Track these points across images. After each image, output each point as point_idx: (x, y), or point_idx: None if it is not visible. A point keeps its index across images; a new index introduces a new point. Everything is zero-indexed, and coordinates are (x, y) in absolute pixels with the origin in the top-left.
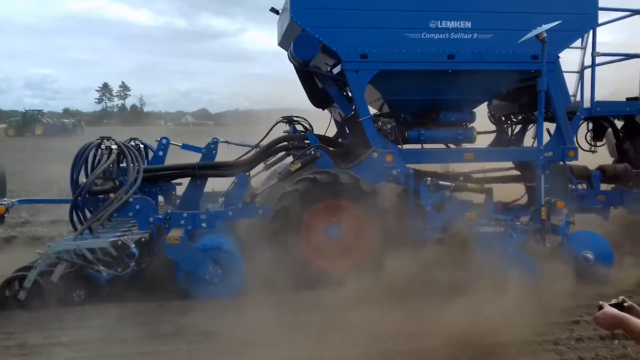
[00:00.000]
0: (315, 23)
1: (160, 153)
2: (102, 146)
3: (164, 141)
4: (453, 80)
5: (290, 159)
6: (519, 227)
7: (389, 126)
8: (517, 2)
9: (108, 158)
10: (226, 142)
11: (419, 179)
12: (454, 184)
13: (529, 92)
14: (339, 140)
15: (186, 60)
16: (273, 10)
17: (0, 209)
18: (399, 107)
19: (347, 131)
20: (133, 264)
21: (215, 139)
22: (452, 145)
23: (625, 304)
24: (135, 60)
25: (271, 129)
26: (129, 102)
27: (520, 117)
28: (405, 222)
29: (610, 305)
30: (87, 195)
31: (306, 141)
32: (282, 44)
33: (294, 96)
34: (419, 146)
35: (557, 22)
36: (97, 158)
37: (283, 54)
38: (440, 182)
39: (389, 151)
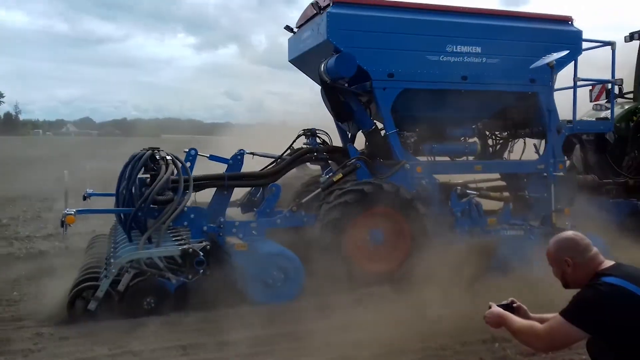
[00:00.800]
0: (349, 44)
1: (188, 164)
2: (157, 156)
3: (193, 152)
4: (464, 99)
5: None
6: (536, 230)
7: (412, 140)
8: (520, 32)
9: (167, 168)
10: (251, 153)
11: (446, 187)
12: (478, 193)
13: (515, 111)
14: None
15: (68, 66)
16: (288, 28)
17: (69, 219)
18: (414, 123)
19: (367, 143)
20: (201, 271)
21: (242, 150)
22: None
23: (514, 305)
24: (9, 65)
25: (293, 142)
26: (2, 109)
27: (505, 134)
28: (437, 227)
29: (499, 305)
30: (150, 205)
31: (329, 153)
32: (298, 60)
33: (187, 105)
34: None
35: (566, 52)
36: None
37: (173, 61)
38: (467, 190)
39: (418, 163)
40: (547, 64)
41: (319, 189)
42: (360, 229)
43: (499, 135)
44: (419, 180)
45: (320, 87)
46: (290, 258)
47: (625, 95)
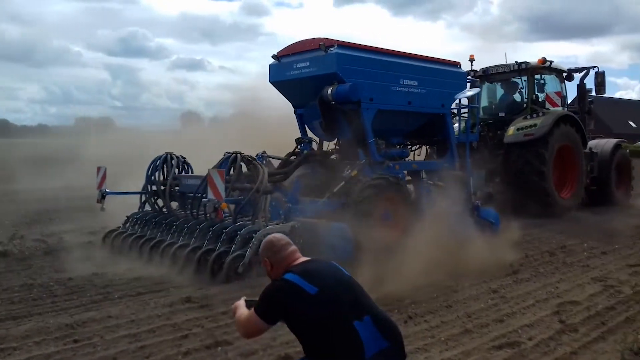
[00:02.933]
0: (349, 76)
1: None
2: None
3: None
4: (407, 117)
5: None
6: (480, 208)
7: (383, 147)
8: (436, 72)
9: (261, 168)
10: (269, 156)
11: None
12: (435, 182)
13: (430, 126)
14: (334, 155)
15: None
16: (275, 57)
17: (223, 205)
18: (381, 134)
19: (337, 147)
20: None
21: (263, 153)
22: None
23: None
24: None
25: (295, 148)
26: None
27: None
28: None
29: (248, 300)
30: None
31: (332, 156)
32: (282, 82)
33: None
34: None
35: (478, 90)
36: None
37: None
38: (429, 181)
39: (397, 162)
40: (468, 97)
41: (343, 182)
42: (383, 206)
43: (417, 142)
44: (398, 174)
45: (293, 107)
46: (345, 229)
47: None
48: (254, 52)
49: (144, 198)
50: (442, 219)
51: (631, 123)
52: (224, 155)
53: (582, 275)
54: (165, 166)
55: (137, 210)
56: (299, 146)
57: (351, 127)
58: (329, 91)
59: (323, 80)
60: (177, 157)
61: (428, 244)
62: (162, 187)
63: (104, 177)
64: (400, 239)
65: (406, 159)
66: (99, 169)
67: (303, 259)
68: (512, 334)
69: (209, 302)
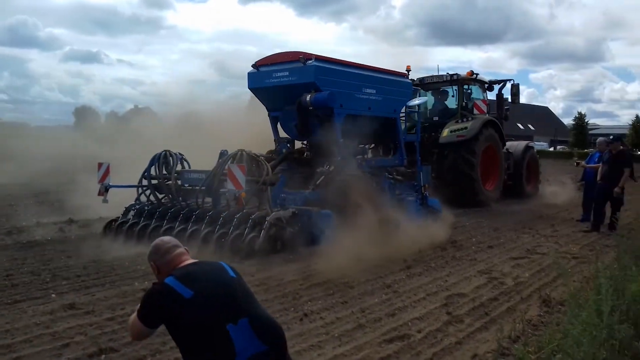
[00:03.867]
0: (325, 86)
1: None
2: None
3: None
4: (367, 120)
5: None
6: (415, 195)
7: (350, 146)
8: (389, 81)
9: (266, 165)
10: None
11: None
12: (391, 175)
13: (383, 128)
14: (305, 154)
15: None
16: (254, 66)
17: (242, 195)
18: (346, 136)
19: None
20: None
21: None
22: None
23: None
24: None
25: (276, 148)
26: None
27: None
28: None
29: None
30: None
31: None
32: (260, 89)
33: None
34: None
35: (426, 99)
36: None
37: None
38: (388, 175)
39: (361, 158)
40: (417, 105)
41: (323, 176)
42: (355, 193)
43: (373, 142)
44: (364, 168)
45: (268, 110)
46: (331, 215)
47: None
48: (155, 46)
49: (140, 190)
50: (389, 210)
51: (519, 125)
52: (220, 152)
53: (469, 269)
54: (158, 162)
55: (133, 202)
56: (278, 145)
57: (323, 129)
58: (308, 98)
59: (301, 88)
60: (176, 155)
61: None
62: (167, 181)
63: (106, 172)
64: (371, 225)
65: (366, 157)
66: (100, 164)
67: (189, 261)
68: (403, 327)
69: (94, 308)
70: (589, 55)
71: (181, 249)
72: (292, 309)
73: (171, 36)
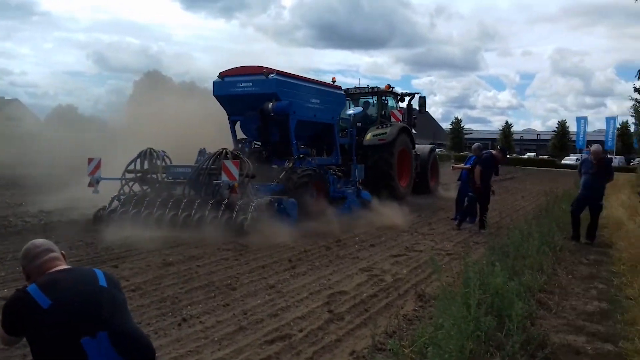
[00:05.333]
0: (283, 96)
1: None
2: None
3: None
4: (312, 126)
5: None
6: (353, 189)
7: (302, 146)
8: (328, 93)
9: (247, 161)
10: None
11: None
12: (334, 171)
13: (321, 133)
14: (264, 152)
15: None
16: (219, 76)
17: (236, 185)
18: (298, 138)
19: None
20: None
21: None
22: None
23: None
24: None
25: (240, 146)
26: None
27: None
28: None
29: None
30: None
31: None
32: (225, 96)
33: None
34: None
35: (361, 110)
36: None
37: None
38: (332, 171)
39: (313, 157)
40: (354, 114)
41: (284, 172)
42: (313, 187)
43: (314, 144)
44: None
45: (228, 115)
46: (295, 203)
47: None
48: (25, 33)
49: (124, 182)
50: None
51: None
52: (200, 150)
53: (352, 267)
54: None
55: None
56: (240, 145)
57: (279, 132)
58: (270, 105)
59: (263, 97)
60: (158, 152)
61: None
62: (154, 175)
63: (97, 166)
64: (323, 211)
65: (311, 156)
66: (91, 159)
67: (60, 267)
68: (285, 327)
69: None
70: (466, 64)
71: (54, 254)
72: (170, 314)
73: (45, 23)
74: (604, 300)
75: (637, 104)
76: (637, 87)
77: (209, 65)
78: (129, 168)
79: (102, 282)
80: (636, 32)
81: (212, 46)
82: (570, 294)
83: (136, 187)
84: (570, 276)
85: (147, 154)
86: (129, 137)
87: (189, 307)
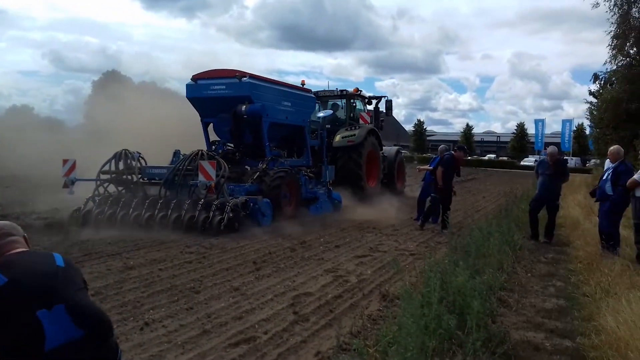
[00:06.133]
0: (256, 99)
1: None
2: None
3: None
4: (284, 128)
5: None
6: (324, 189)
7: (274, 147)
8: (299, 96)
9: (223, 162)
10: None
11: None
12: (306, 172)
13: (292, 135)
14: (237, 154)
15: None
16: (193, 79)
17: (212, 185)
18: (271, 140)
19: (241, 148)
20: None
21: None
22: None
23: None
24: None
25: (215, 148)
26: None
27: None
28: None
29: None
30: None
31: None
32: (197, 99)
33: None
34: None
35: (331, 112)
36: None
37: None
38: (304, 172)
39: (285, 159)
40: (324, 116)
41: (258, 172)
42: (286, 187)
43: (285, 146)
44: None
45: (201, 117)
46: (269, 203)
47: None
48: None
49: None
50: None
51: None
52: (175, 152)
53: (317, 268)
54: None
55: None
56: (213, 147)
57: (252, 134)
58: (243, 108)
59: (237, 100)
60: (133, 153)
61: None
62: (130, 176)
63: (72, 167)
64: (295, 213)
65: (283, 158)
66: (65, 160)
67: (19, 250)
68: (250, 329)
69: None
70: (427, 67)
71: (13, 237)
72: (132, 318)
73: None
74: (561, 297)
75: (592, 107)
76: (592, 90)
77: (170, 65)
78: (103, 169)
79: (59, 262)
80: (590, 37)
81: (173, 46)
82: (530, 292)
83: (111, 188)
84: (529, 274)
85: (122, 155)
86: (98, 137)
87: (151, 311)
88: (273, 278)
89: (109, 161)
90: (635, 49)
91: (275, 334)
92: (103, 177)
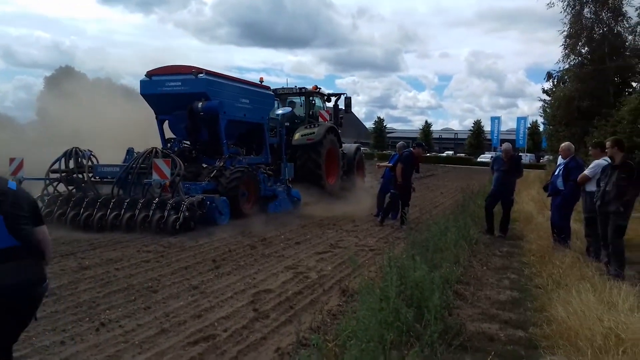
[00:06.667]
0: (213, 95)
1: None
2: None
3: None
4: (242, 125)
5: None
6: (284, 187)
7: (231, 145)
8: (257, 93)
9: (178, 160)
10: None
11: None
12: (264, 170)
13: (251, 132)
14: (193, 151)
15: None
16: (147, 75)
17: (167, 184)
18: (228, 137)
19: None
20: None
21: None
22: None
23: None
24: None
25: (169, 145)
26: None
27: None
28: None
29: None
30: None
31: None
32: (152, 95)
33: None
34: None
35: (290, 110)
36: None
37: None
38: (263, 170)
39: (244, 156)
40: (283, 114)
41: (215, 170)
42: (244, 185)
43: (243, 143)
44: (244, 164)
45: (155, 114)
46: (226, 201)
47: None
48: None
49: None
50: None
51: None
52: (128, 150)
53: (277, 265)
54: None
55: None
56: (168, 144)
57: (209, 132)
58: (199, 105)
59: (192, 97)
60: (84, 151)
61: None
62: (81, 175)
63: (19, 166)
64: (253, 211)
65: (241, 155)
66: (12, 159)
67: None
68: (209, 327)
69: None
70: (387, 65)
71: None
72: (87, 319)
73: None
74: (515, 289)
75: (545, 105)
76: (545, 88)
77: (126, 61)
78: (53, 168)
79: (12, 186)
80: (545, 37)
81: (130, 42)
82: (485, 285)
83: (61, 187)
84: (484, 267)
85: (72, 153)
86: (50, 135)
87: (107, 311)
88: (233, 276)
89: (59, 159)
90: (586, 48)
91: (235, 332)
92: (53, 176)
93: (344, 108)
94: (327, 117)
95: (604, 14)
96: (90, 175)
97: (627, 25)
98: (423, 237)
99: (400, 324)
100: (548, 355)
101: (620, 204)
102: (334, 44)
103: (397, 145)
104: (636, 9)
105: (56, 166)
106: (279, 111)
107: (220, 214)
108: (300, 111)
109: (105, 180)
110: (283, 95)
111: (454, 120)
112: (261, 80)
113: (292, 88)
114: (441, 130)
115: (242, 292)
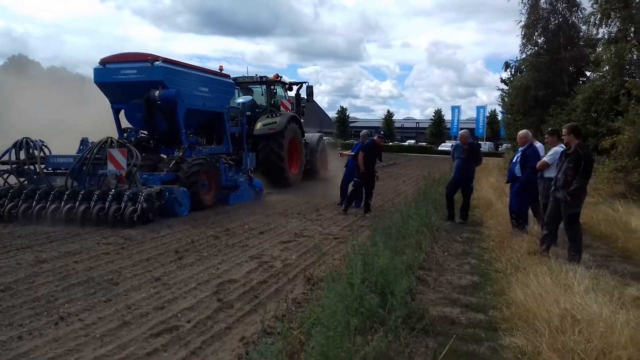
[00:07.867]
0: (171, 84)
1: None
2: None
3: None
4: (201, 114)
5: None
6: (245, 177)
7: (191, 135)
8: (218, 82)
9: (135, 150)
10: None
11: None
12: (225, 160)
13: (211, 121)
14: (151, 141)
15: None
16: (101, 62)
17: (123, 174)
18: (188, 126)
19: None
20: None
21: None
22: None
23: None
24: None
25: (125, 136)
26: None
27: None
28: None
29: None
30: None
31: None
32: (106, 83)
33: None
34: None
35: (251, 98)
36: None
37: None
38: (224, 160)
39: (204, 146)
40: (243, 102)
41: (174, 161)
42: (205, 175)
43: (203, 133)
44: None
45: (111, 103)
46: (186, 192)
47: None
48: None
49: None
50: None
51: None
52: (82, 140)
53: (241, 255)
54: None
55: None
56: (125, 134)
57: (167, 121)
58: (157, 94)
59: (149, 85)
60: (35, 141)
61: None
62: (32, 166)
63: None
64: (214, 201)
65: (199, 146)
66: None
67: None
68: (172, 319)
69: None
70: (349, 55)
71: None
72: (46, 313)
73: None
74: (475, 274)
75: (504, 94)
76: (503, 78)
77: (82, 49)
78: (2, 159)
79: None
80: (503, 27)
81: (85, 29)
82: (447, 270)
83: (12, 180)
84: (446, 253)
85: (22, 144)
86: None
87: (66, 305)
88: (196, 267)
89: (9, 150)
90: (542, 38)
91: (199, 322)
92: (2, 167)
93: (305, 97)
94: (289, 106)
95: (559, 4)
96: (42, 166)
97: (582, 16)
98: (386, 224)
99: (364, 310)
100: (507, 336)
101: (566, 193)
102: (295, 32)
103: (361, 133)
104: (590, 0)
105: (6, 157)
106: (240, 100)
107: (180, 205)
108: (261, 100)
109: (58, 171)
110: (244, 84)
111: (415, 109)
112: (221, 69)
113: (253, 77)
114: (403, 119)
115: (206, 283)
